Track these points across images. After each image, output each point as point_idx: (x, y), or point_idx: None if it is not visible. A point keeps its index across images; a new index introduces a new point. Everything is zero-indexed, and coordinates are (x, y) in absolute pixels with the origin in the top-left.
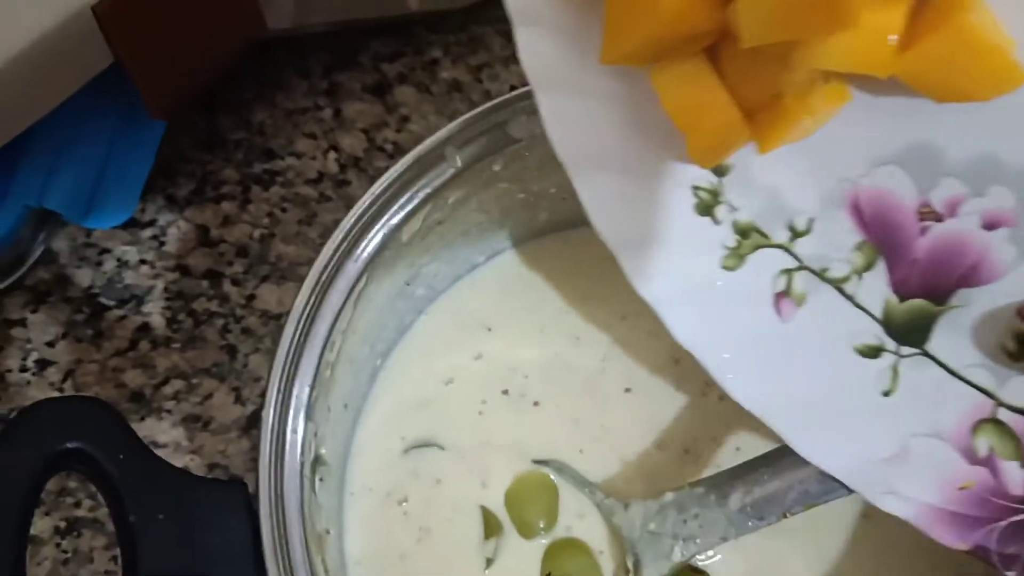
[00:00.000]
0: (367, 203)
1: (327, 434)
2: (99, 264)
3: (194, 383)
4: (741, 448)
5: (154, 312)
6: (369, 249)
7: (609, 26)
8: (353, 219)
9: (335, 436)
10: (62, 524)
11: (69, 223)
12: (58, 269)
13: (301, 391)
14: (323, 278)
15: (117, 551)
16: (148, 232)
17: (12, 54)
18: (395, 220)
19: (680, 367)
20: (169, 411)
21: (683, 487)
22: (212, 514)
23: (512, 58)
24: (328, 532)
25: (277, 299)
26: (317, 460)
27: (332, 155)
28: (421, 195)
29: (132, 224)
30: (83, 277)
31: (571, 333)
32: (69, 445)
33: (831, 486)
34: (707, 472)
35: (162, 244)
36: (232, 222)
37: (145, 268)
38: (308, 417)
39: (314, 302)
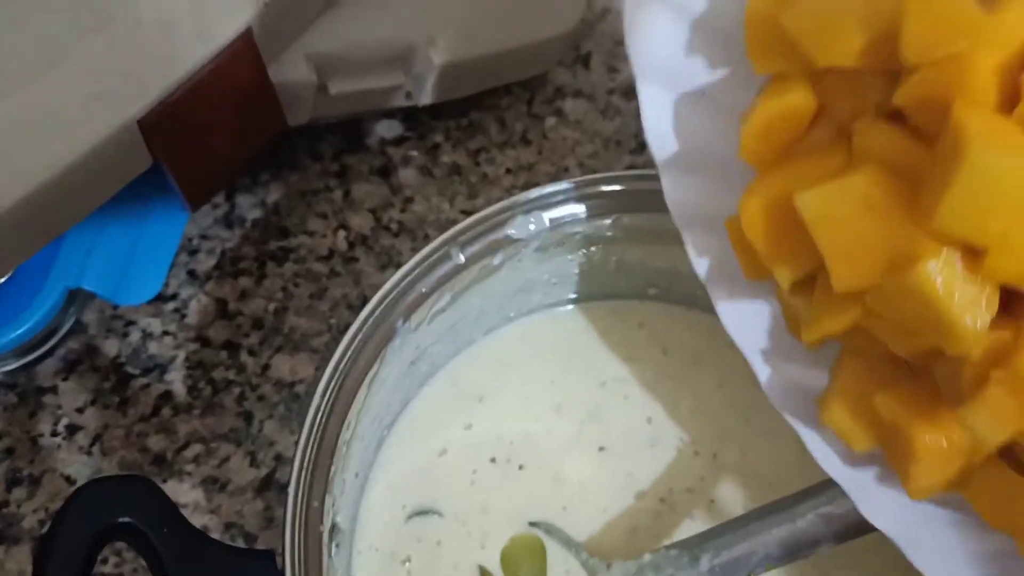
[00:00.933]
0: (380, 296)
1: (342, 504)
2: (125, 335)
3: (212, 447)
4: (715, 500)
5: (176, 380)
6: (381, 340)
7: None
8: (368, 312)
9: (347, 504)
10: None
11: (99, 298)
12: (87, 340)
13: (322, 468)
14: (341, 366)
15: None
16: (171, 305)
17: (67, 163)
18: (405, 313)
19: (652, 425)
20: (189, 473)
21: (659, 549)
22: None
23: (507, 143)
24: None
25: (290, 368)
26: (334, 528)
27: (342, 233)
28: (427, 289)
29: (156, 298)
30: (110, 347)
31: (554, 401)
32: (120, 520)
33: (791, 551)
34: (682, 521)
35: (184, 316)
36: (249, 296)
37: (168, 339)
38: (327, 491)
39: (334, 387)
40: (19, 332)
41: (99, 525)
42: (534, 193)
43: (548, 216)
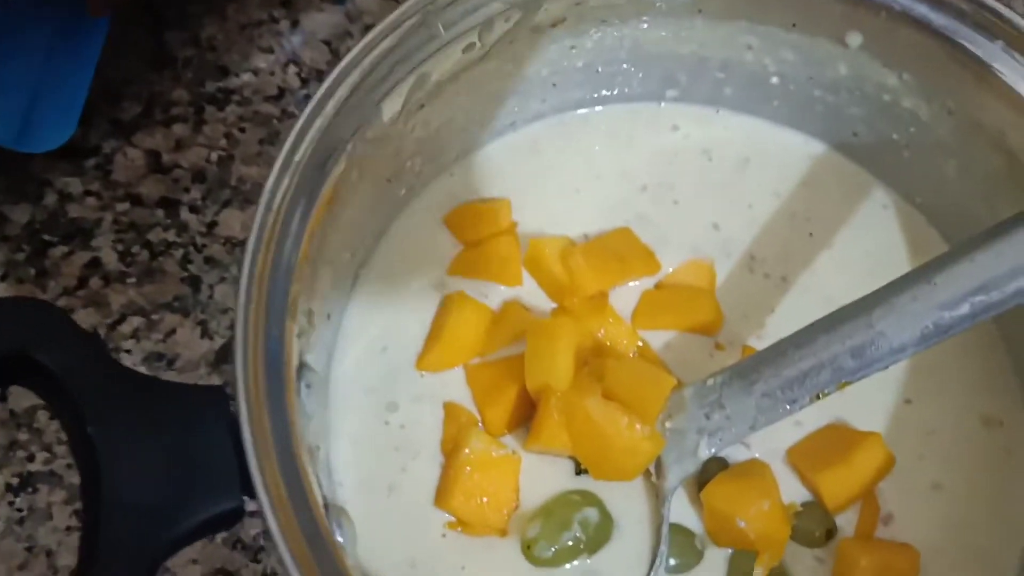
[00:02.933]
0: (346, 65)
1: (313, 342)
2: (39, 198)
3: (154, 319)
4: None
5: (104, 246)
6: (347, 126)
7: None
8: (330, 84)
9: (318, 344)
10: (14, 480)
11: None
12: None
13: (278, 286)
14: (299, 159)
15: (79, 504)
16: (92, 161)
17: None
18: (375, 91)
19: (720, 233)
20: (128, 351)
21: (704, 380)
22: (185, 424)
23: None
24: (318, 448)
25: (241, 224)
26: (303, 366)
27: (292, 69)
28: (401, 64)
29: (74, 153)
30: (21, 213)
31: (582, 210)
32: (19, 351)
33: (867, 362)
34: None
35: (108, 173)
36: (186, 146)
37: (91, 200)
38: (289, 316)
39: (291, 184)
40: None
41: None
42: None
43: None
